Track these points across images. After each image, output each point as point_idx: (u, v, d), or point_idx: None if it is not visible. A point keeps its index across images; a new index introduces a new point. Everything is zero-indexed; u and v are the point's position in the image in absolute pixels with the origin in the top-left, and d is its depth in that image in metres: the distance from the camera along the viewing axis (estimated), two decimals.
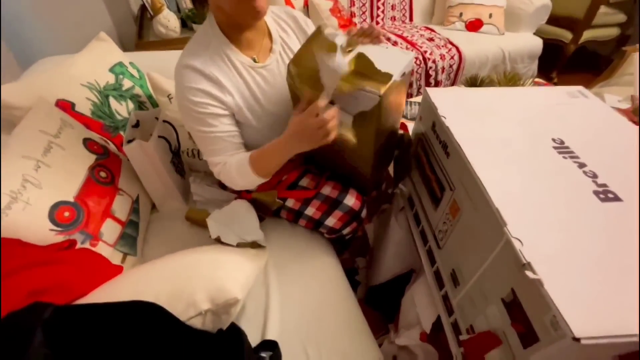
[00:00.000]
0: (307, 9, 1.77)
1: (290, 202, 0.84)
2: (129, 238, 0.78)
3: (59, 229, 0.63)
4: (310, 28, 0.80)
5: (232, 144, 0.70)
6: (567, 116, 0.69)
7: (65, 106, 0.84)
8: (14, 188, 0.60)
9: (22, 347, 0.32)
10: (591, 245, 0.45)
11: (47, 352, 0.32)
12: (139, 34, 1.51)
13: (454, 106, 0.71)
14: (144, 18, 1.65)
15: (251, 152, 0.68)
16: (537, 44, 2.02)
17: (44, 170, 0.65)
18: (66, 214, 0.65)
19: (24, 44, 1.49)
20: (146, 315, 0.35)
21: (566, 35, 2.21)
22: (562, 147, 0.61)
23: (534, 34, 2.07)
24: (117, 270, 0.61)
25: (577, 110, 0.72)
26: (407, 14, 2.19)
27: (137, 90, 1.04)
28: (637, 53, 1.36)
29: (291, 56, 0.76)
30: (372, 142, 0.68)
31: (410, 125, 1.01)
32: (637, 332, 0.36)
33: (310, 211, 0.82)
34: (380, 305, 1.09)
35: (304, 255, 0.85)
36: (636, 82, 1.14)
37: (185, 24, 1.54)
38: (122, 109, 0.97)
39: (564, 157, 0.59)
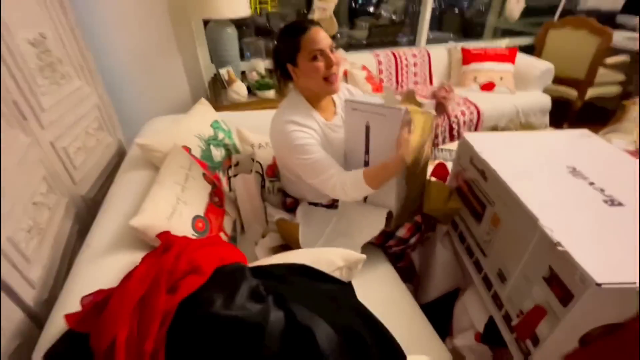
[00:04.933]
0: (346, 77, 2.14)
1: None
2: None
3: (196, 234, 0.85)
4: (354, 94, 1.09)
5: (332, 162, 0.90)
6: (576, 150, 0.90)
7: (186, 150, 1.12)
8: (173, 203, 0.84)
9: (239, 278, 0.51)
10: (603, 230, 0.63)
11: (257, 281, 0.52)
12: (215, 99, 1.88)
13: (487, 145, 0.93)
14: (216, 87, 2.06)
15: (363, 170, 0.86)
16: (546, 100, 2.30)
17: (186, 192, 0.90)
18: (200, 224, 0.88)
19: (121, 106, 1.88)
20: (307, 269, 0.55)
21: (572, 93, 2.49)
22: (574, 172, 0.81)
23: (543, 92, 2.36)
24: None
25: (583, 146, 0.93)
26: (427, 79, 2.56)
27: (227, 141, 1.33)
28: (636, 105, 1.59)
29: None
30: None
31: (448, 164, 1.23)
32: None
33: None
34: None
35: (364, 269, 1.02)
36: (636, 127, 1.35)
37: (249, 91, 1.92)
38: (218, 154, 1.25)
39: (578, 179, 0.79)
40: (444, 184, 1.03)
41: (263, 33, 2.97)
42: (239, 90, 1.79)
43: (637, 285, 0.53)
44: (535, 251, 0.67)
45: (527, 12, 2.64)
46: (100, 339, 0.48)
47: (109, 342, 0.48)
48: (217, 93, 2.00)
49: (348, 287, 0.60)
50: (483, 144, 0.94)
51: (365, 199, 0.97)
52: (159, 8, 1.81)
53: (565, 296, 0.59)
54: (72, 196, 1.08)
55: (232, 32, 1.89)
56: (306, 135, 0.88)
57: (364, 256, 0.63)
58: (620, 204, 0.70)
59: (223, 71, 1.84)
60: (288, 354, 0.42)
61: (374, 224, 0.89)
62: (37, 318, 0.75)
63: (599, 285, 0.52)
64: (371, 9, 3.91)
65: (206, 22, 1.97)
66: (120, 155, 1.48)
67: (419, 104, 0.89)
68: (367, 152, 0.93)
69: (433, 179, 1.08)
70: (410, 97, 1.01)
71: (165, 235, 0.68)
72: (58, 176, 1.01)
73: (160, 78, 1.98)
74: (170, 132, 1.15)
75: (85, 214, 1.14)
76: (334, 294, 0.54)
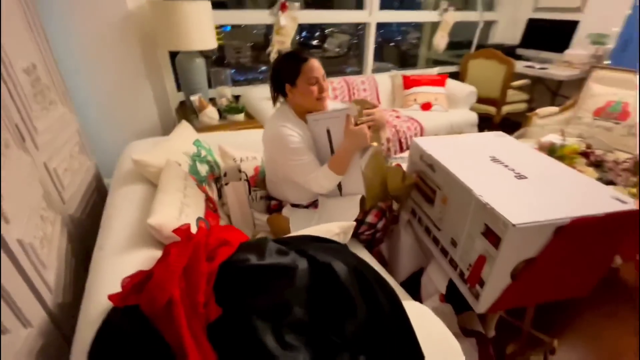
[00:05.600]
0: None
1: None
2: None
3: None
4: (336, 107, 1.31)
5: (317, 164, 1.09)
6: (494, 145, 1.20)
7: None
8: (179, 206, 0.95)
9: (264, 244, 0.65)
10: (515, 194, 0.89)
11: (281, 246, 0.66)
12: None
13: (432, 145, 1.20)
14: (185, 113, 2.16)
15: (327, 163, 1.06)
16: (473, 117, 2.76)
17: (187, 198, 1.01)
18: (203, 225, 0.99)
19: (92, 129, 1.89)
20: (314, 237, 0.71)
21: (491, 109, 3.02)
22: (495, 160, 1.09)
23: (470, 109, 2.84)
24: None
25: (499, 142, 1.23)
26: (376, 101, 2.92)
27: (209, 157, 1.45)
28: (537, 116, 2.04)
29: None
30: None
31: (403, 165, 1.49)
32: (544, 219, 0.77)
33: None
34: None
35: None
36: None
37: (220, 115, 2.06)
38: (202, 169, 1.36)
39: (496, 164, 1.07)
40: (398, 168, 1.27)
41: (218, 63, 3.15)
42: (212, 114, 1.93)
43: (540, 224, 0.78)
44: (473, 214, 0.91)
45: (451, 46, 3.20)
46: (156, 301, 0.59)
47: (164, 302, 0.58)
48: (186, 118, 2.10)
49: (346, 246, 0.78)
50: (429, 144, 1.20)
51: (340, 192, 1.17)
52: (130, 39, 1.91)
53: (496, 241, 0.82)
54: (62, 215, 1.11)
55: (200, 62, 2.04)
56: (297, 140, 1.06)
57: (354, 223, 0.81)
58: (525, 177, 0.98)
59: (194, 98, 1.96)
60: (316, 286, 0.57)
61: (351, 211, 1.08)
62: (56, 320, 0.79)
63: (514, 225, 0.76)
64: (316, 42, 4.31)
65: (175, 54, 2.10)
66: (97, 179, 1.51)
67: (371, 106, 1.13)
68: (332, 152, 1.12)
69: (393, 164, 1.34)
70: (362, 102, 1.21)
71: (185, 228, 0.79)
72: (50, 195, 1.05)
73: (129, 105, 2.04)
74: (160, 150, 1.25)
75: (74, 232, 1.17)
76: (338, 248, 0.71)
